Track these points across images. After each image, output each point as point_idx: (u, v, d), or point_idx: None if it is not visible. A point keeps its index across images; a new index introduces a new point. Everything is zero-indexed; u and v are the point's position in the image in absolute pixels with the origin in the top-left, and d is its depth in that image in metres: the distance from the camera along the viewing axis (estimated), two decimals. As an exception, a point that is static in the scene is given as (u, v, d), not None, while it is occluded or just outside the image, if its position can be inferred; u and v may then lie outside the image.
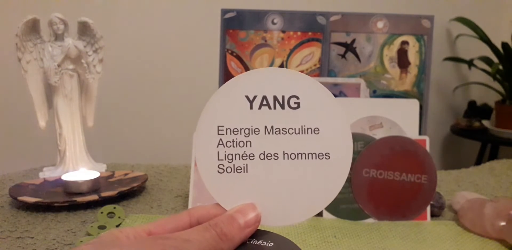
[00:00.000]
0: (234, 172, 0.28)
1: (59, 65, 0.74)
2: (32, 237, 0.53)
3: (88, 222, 0.58)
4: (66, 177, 0.67)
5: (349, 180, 0.57)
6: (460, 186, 0.75)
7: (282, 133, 0.28)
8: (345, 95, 0.66)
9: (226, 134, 0.28)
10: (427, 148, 0.59)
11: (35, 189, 0.67)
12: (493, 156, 1.58)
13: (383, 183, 0.57)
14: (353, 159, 0.58)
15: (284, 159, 0.28)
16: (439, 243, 0.51)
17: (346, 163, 0.28)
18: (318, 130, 0.28)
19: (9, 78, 1.04)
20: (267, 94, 0.28)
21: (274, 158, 0.28)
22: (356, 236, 0.52)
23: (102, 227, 0.54)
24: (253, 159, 0.28)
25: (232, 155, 0.28)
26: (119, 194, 0.64)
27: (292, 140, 0.28)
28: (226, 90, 0.28)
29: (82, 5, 1.36)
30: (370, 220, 0.57)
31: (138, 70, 1.47)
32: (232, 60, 0.71)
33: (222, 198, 0.28)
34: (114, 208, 0.57)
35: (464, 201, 0.58)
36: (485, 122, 1.62)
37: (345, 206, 0.57)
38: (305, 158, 0.28)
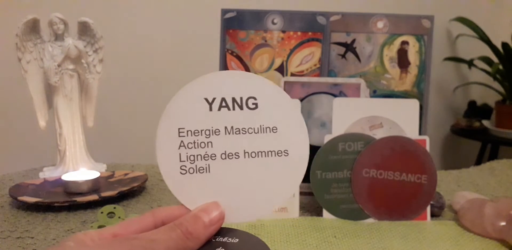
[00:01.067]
0: (196, 173, 0.28)
1: (59, 65, 0.74)
2: (32, 237, 0.53)
3: (88, 222, 0.58)
4: (66, 177, 0.67)
5: (349, 180, 0.58)
6: (460, 186, 0.75)
7: (242, 133, 0.29)
8: (345, 95, 0.66)
9: (187, 135, 0.28)
10: (427, 148, 0.59)
11: (35, 189, 0.67)
12: (493, 156, 1.58)
13: (383, 183, 0.57)
14: (353, 159, 0.58)
15: (244, 157, 0.29)
16: (439, 243, 0.51)
17: (303, 158, 0.29)
18: (276, 129, 0.29)
19: (9, 78, 1.04)
20: (225, 96, 0.29)
21: (235, 157, 0.29)
22: (356, 236, 0.52)
23: (102, 227, 0.54)
24: (215, 159, 0.29)
25: (194, 156, 0.28)
26: (119, 194, 0.64)
27: (252, 139, 0.29)
28: (185, 93, 0.29)
29: (82, 5, 1.36)
30: (370, 220, 0.57)
31: (138, 70, 1.47)
32: (232, 60, 0.71)
33: (185, 198, 0.28)
34: (114, 208, 0.57)
35: (464, 201, 0.58)
36: (485, 122, 1.62)
37: (345, 206, 0.57)
38: (265, 156, 0.29)
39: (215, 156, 0.28)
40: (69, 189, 0.66)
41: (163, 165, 0.28)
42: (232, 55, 0.71)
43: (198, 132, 0.28)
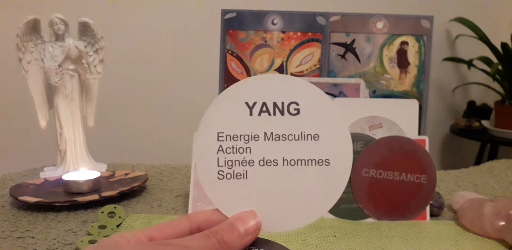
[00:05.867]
0: (234, 178, 0.28)
1: (59, 66, 0.74)
2: (33, 237, 0.53)
3: (88, 222, 0.58)
4: (66, 177, 0.67)
5: (349, 180, 0.58)
6: (460, 186, 0.75)
7: (282, 139, 0.28)
8: (345, 96, 0.66)
9: (226, 140, 0.28)
10: (427, 148, 0.59)
11: (35, 189, 0.67)
12: (493, 156, 1.58)
13: (382, 183, 0.57)
14: (353, 159, 0.58)
15: (283, 165, 0.28)
16: (439, 243, 0.51)
17: (346, 169, 0.28)
18: (318, 136, 0.28)
19: (10, 79, 1.05)
20: (266, 100, 0.28)
21: (273, 164, 0.28)
22: (355, 235, 0.52)
23: (102, 227, 0.54)
24: (253, 165, 0.28)
25: (232, 161, 0.28)
26: (119, 193, 0.64)
27: (292, 146, 0.28)
28: (226, 97, 0.28)
29: (83, 6, 1.36)
30: (370, 220, 0.57)
31: (138, 71, 1.47)
32: (232, 61, 0.71)
33: (222, 203, 0.28)
34: (115, 207, 0.58)
35: (463, 201, 0.58)
36: (485, 123, 1.62)
37: (345, 206, 0.58)
38: (305, 164, 0.28)
39: (253, 162, 0.28)
40: (69, 189, 0.66)
41: (201, 169, 0.28)
42: (232, 55, 0.71)
43: (237, 137, 0.28)
